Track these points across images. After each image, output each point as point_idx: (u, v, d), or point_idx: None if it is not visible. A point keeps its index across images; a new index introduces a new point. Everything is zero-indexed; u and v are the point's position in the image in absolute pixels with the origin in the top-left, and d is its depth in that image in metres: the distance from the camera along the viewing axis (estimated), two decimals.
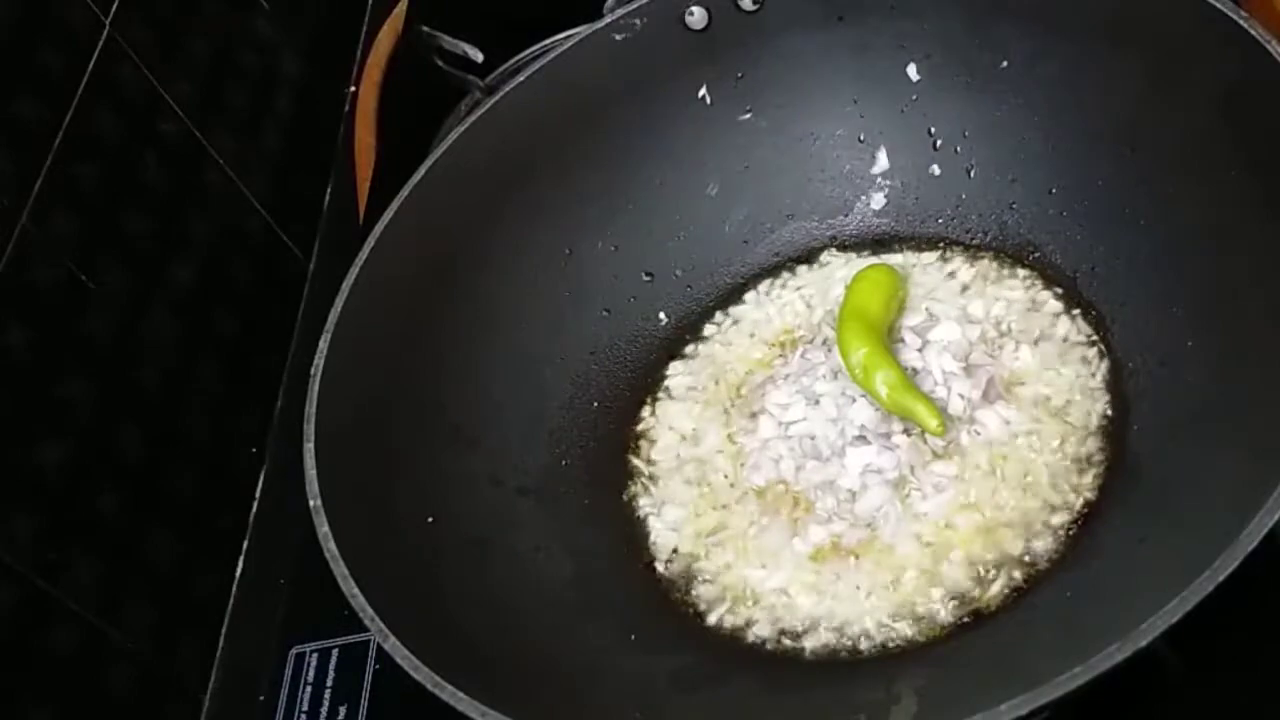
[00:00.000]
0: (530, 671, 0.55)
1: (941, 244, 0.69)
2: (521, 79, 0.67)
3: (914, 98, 0.68)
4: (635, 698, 0.54)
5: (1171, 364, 0.56)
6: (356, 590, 0.49)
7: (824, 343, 0.66)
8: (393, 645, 0.48)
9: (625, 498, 0.66)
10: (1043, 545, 0.56)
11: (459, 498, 0.61)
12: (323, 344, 0.59)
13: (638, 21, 0.67)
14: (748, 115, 0.71)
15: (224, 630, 0.78)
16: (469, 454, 0.63)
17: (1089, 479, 0.57)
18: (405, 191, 0.64)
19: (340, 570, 0.50)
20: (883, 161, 0.70)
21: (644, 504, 0.65)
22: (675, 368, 0.70)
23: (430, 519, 0.59)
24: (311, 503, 0.53)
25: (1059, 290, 0.64)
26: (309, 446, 0.55)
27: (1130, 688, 0.51)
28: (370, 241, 0.63)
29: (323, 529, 0.51)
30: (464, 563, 0.59)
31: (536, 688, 0.54)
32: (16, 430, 0.66)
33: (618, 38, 0.68)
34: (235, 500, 0.82)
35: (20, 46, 0.70)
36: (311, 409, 0.56)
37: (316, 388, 0.57)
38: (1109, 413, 0.59)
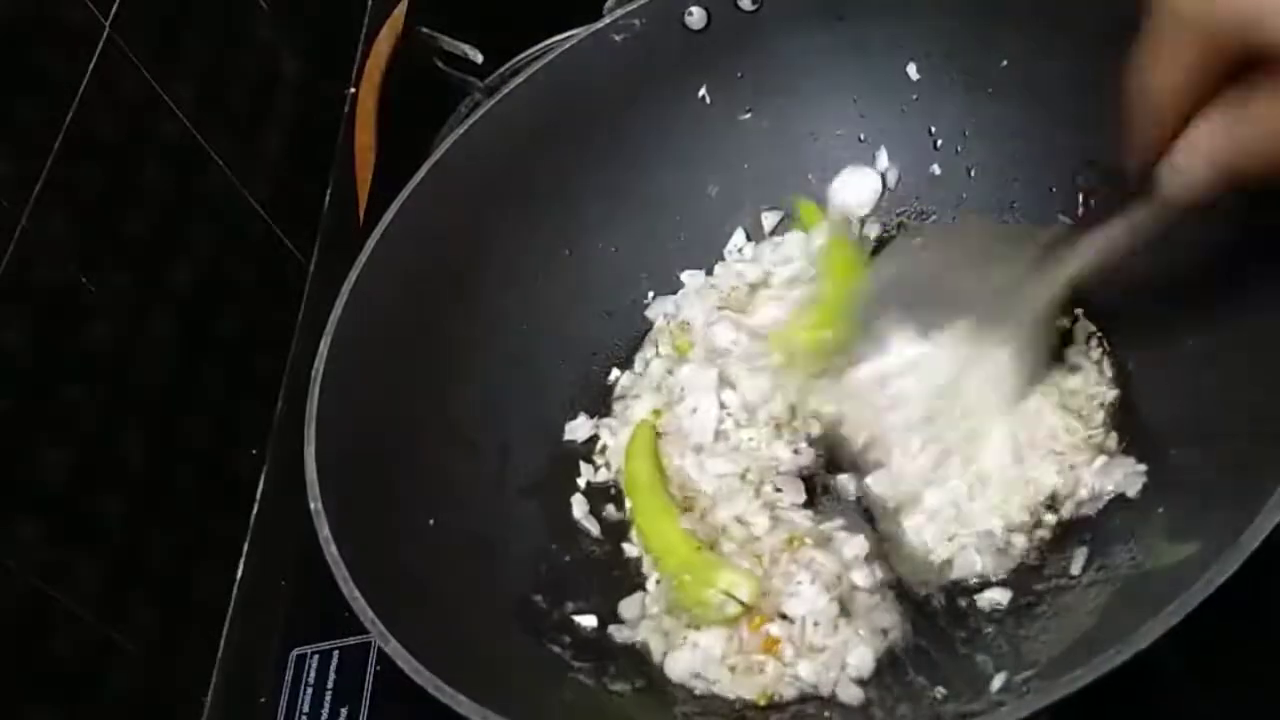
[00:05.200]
0: (533, 673, 0.55)
1: None
2: (521, 79, 0.67)
3: (914, 97, 0.68)
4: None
5: (1172, 364, 0.56)
6: (357, 593, 0.49)
7: None
8: (394, 648, 0.48)
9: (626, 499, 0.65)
10: (1042, 547, 0.55)
11: (460, 499, 0.61)
12: (323, 348, 0.59)
13: (637, 22, 0.67)
14: (748, 115, 0.71)
15: (225, 632, 0.78)
16: (470, 456, 0.63)
17: (1089, 479, 0.57)
18: (405, 193, 0.64)
19: (341, 573, 0.50)
20: (883, 161, 0.70)
21: None
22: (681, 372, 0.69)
23: (431, 521, 0.59)
24: (312, 505, 0.53)
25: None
26: (310, 450, 0.54)
27: (1132, 688, 0.51)
28: (370, 243, 0.63)
29: (324, 532, 0.51)
30: (465, 564, 0.59)
31: (538, 690, 0.54)
32: (17, 433, 0.65)
33: (617, 38, 0.68)
34: (236, 502, 0.82)
35: (20, 47, 0.70)
36: (312, 412, 0.56)
37: (317, 391, 0.57)
38: (1110, 413, 0.59)
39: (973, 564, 0.55)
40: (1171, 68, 0.42)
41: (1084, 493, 0.56)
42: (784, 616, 0.55)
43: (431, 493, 0.60)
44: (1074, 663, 0.41)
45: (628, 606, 0.60)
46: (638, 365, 0.70)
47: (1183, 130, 0.44)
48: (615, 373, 0.70)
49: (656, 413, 0.66)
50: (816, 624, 0.54)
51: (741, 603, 0.55)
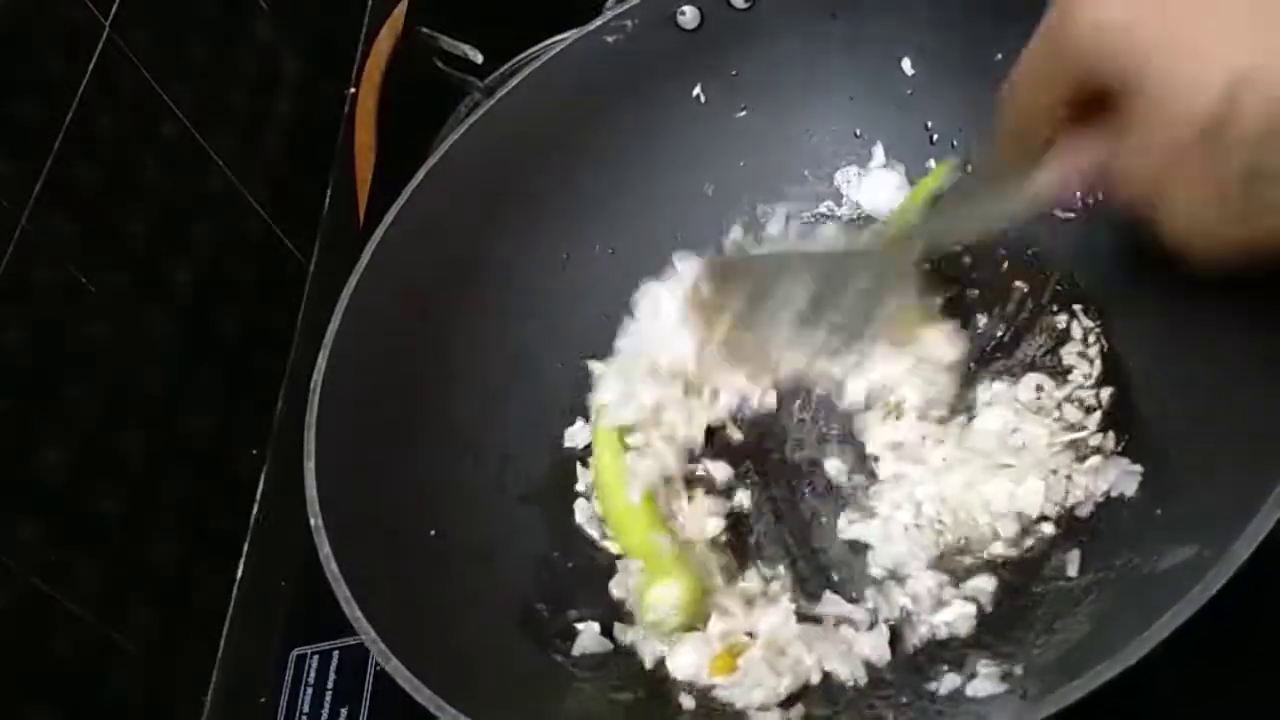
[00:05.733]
0: (536, 684, 0.55)
1: None
2: (516, 82, 0.67)
3: (909, 92, 0.68)
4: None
5: (1172, 364, 0.56)
6: (359, 612, 0.49)
7: None
8: (394, 667, 0.48)
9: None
10: (1034, 555, 0.55)
11: (461, 507, 0.61)
12: (321, 359, 0.58)
13: (629, 23, 0.67)
14: (743, 113, 0.71)
15: (225, 632, 0.78)
16: (470, 462, 0.63)
17: (1083, 480, 0.56)
18: (405, 194, 0.64)
19: (343, 592, 0.50)
20: (879, 157, 0.70)
21: None
22: None
23: (432, 531, 0.59)
24: (313, 522, 0.52)
25: (1059, 286, 0.64)
26: (309, 465, 0.54)
27: (1127, 691, 0.51)
28: (370, 244, 0.63)
29: (324, 550, 0.51)
30: (467, 574, 0.58)
31: (542, 701, 0.54)
32: (17, 433, 0.66)
33: (609, 40, 0.67)
34: (236, 503, 0.82)
35: (20, 47, 0.70)
36: (311, 422, 0.56)
37: (316, 402, 0.57)
38: (1107, 412, 0.58)
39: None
40: (1042, 88, 0.46)
41: (1079, 494, 0.56)
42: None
43: (432, 502, 0.60)
44: (1069, 670, 0.40)
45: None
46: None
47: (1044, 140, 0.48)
48: None
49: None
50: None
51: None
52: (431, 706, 0.46)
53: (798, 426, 0.64)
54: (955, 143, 0.68)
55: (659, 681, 0.56)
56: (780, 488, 0.62)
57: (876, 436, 0.60)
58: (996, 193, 0.51)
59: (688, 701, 0.55)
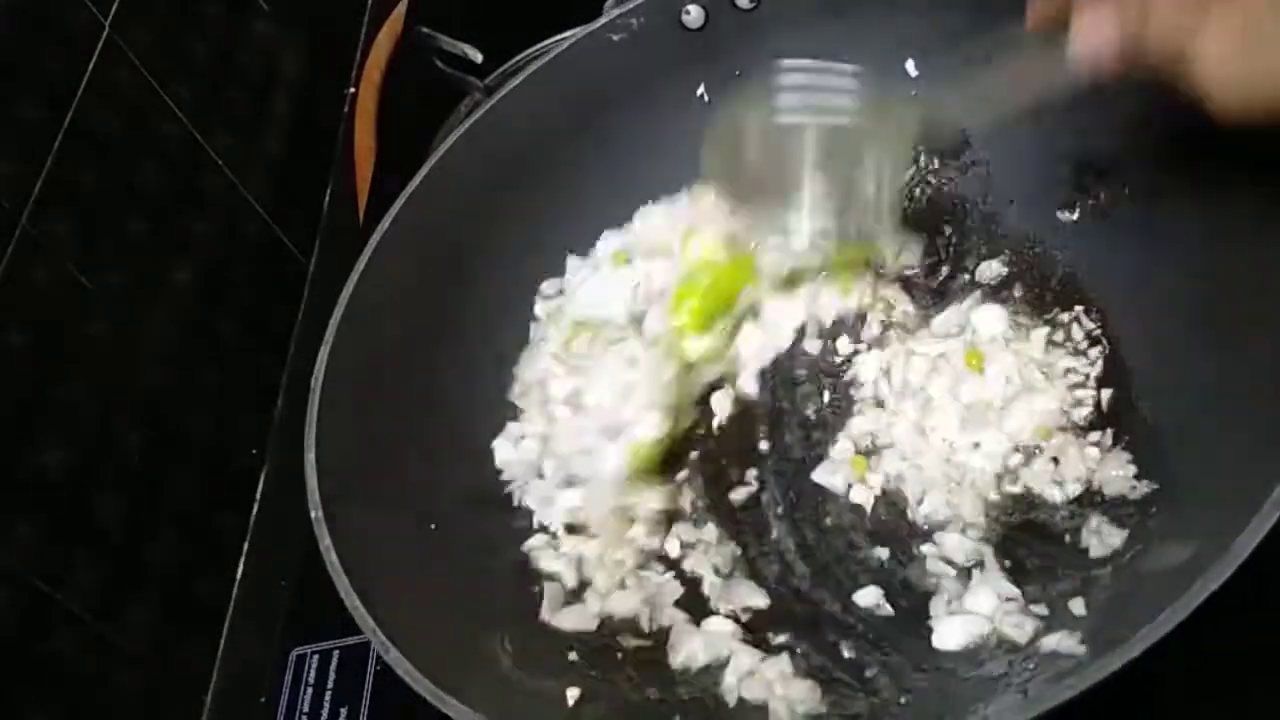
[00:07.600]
0: (537, 678, 0.55)
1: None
2: (520, 80, 0.67)
3: (913, 93, 0.68)
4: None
5: (1172, 364, 0.56)
6: (359, 603, 0.50)
7: None
8: (394, 658, 0.48)
9: None
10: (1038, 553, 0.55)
11: (461, 504, 0.61)
12: (322, 354, 0.58)
13: (634, 21, 0.67)
14: None
15: (224, 632, 0.78)
16: (471, 460, 0.63)
17: (1084, 476, 0.56)
18: (405, 193, 0.65)
19: (343, 584, 0.50)
20: None
21: None
22: None
23: (433, 526, 0.59)
24: (313, 514, 0.52)
25: (1060, 287, 0.64)
26: (310, 457, 0.54)
27: (1128, 692, 0.51)
28: (370, 244, 0.63)
29: (325, 541, 0.51)
30: (467, 569, 0.59)
31: (542, 695, 0.54)
32: (17, 433, 0.65)
33: (614, 38, 0.68)
34: (235, 502, 0.82)
35: (20, 47, 0.70)
36: (312, 418, 0.56)
37: (317, 398, 0.57)
38: (1107, 413, 0.58)
39: None
40: None
41: (1077, 489, 0.56)
42: None
43: (433, 498, 0.60)
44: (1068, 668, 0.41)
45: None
46: None
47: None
48: None
49: None
50: None
51: None
52: (430, 697, 0.46)
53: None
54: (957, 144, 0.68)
55: (663, 676, 0.57)
56: None
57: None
58: (1030, 64, 0.51)
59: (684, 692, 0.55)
